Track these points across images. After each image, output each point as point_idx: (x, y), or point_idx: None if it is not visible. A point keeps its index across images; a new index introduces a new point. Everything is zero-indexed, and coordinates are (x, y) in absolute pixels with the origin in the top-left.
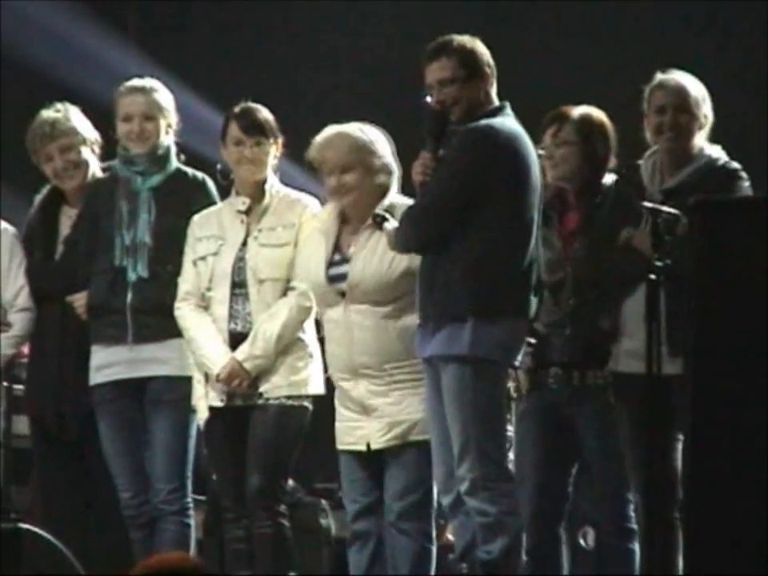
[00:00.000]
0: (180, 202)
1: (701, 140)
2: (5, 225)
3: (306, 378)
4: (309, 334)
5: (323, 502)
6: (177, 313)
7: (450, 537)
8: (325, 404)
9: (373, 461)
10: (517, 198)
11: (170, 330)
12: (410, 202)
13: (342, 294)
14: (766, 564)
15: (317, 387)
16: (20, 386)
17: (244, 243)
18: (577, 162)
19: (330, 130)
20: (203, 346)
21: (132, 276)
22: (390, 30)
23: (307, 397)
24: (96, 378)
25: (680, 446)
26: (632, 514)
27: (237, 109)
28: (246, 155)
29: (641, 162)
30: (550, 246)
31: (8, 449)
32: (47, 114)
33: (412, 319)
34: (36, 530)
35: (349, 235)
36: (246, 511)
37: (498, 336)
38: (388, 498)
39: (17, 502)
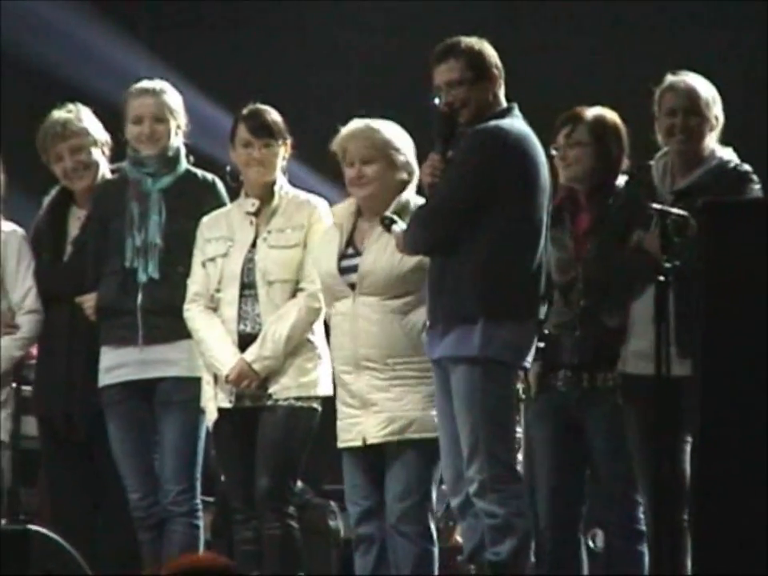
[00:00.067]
0: (190, 203)
1: (712, 141)
2: (13, 226)
3: (315, 380)
4: (318, 335)
5: (332, 503)
6: (186, 314)
7: (459, 538)
8: (333, 405)
9: (374, 463)
10: (526, 199)
11: (180, 331)
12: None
13: (352, 287)
14: None
15: (326, 388)
16: (28, 388)
17: (253, 245)
18: (590, 163)
19: (357, 122)
20: (212, 347)
21: (143, 277)
22: (399, 31)
23: (316, 398)
24: (105, 379)
25: (688, 448)
26: (641, 516)
27: (245, 111)
28: (255, 157)
29: (652, 162)
30: (562, 246)
31: (16, 450)
32: (59, 114)
33: (419, 317)
34: (44, 531)
35: (363, 231)
36: (254, 512)
37: (508, 337)
38: (389, 500)
39: (25, 503)
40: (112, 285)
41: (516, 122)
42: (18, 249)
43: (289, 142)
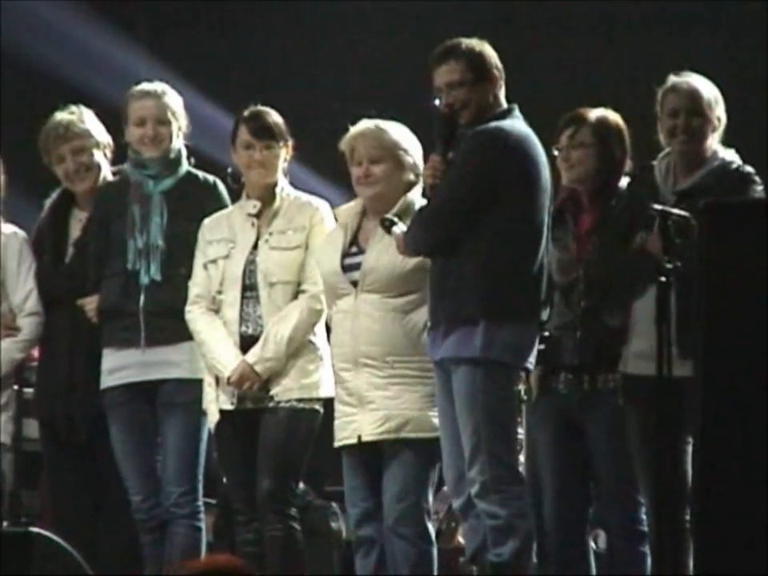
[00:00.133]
0: (191, 205)
1: (714, 142)
2: (14, 229)
3: (317, 381)
4: (319, 336)
5: (334, 504)
6: (188, 316)
7: (461, 539)
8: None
9: (372, 464)
10: (527, 199)
11: (182, 332)
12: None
13: (355, 285)
14: None
15: (327, 390)
16: (30, 390)
17: (255, 246)
18: (593, 165)
19: (366, 122)
20: (214, 349)
21: (145, 279)
22: (399, 32)
23: (318, 400)
24: (107, 381)
25: (690, 449)
26: (643, 516)
27: (246, 112)
28: (256, 159)
29: (655, 162)
30: (564, 247)
31: (18, 452)
32: (61, 115)
33: (420, 317)
34: (46, 533)
35: (368, 230)
36: (256, 514)
37: (510, 338)
38: (386, 500)
39: (27, 505)
40: (114, 287)
41: (517, 123)
42: (18, 251)
43: (290, 143)
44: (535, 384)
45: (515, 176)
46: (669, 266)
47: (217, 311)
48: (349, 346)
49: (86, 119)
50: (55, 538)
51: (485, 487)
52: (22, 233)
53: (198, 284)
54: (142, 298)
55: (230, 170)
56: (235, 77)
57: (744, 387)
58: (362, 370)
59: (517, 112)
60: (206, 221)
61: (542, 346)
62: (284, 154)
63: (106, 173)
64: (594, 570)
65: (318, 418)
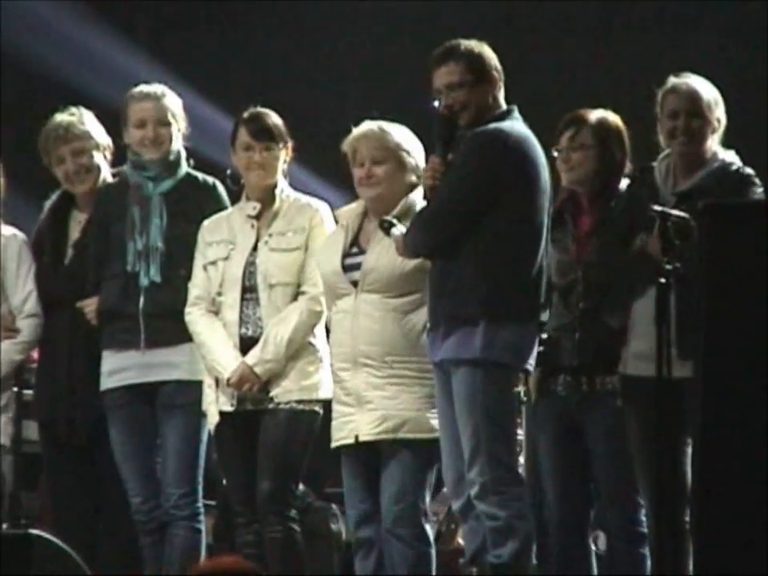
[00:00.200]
0: (191, 206)
1: (714, 144)
2: (13, 230)
3: (317, 383)
4: (319, 338)
5: (333, 506)
6: (187, 318)
7: (461, 541)
8: None
9: (370, 465)
10: (526, 201)
11: (181, 334)
12: None
13: (355, 285)
14: None
15: (327, 391)
16: (29, 392)
17: (254, 248)
18: (593, 166)
19: (369, 123)
20: (214, 351)
21: (144, 281)
22: (399, 33)
23: (318, 401)
24: (107, 382)
25: (689, 450)
26: (642, 518)
27: (246, 114)
28: (256, 160)
29: (654, 164)
30: (563, 248)
31: (17, 454)
32: (61, 116)
33: (420, 317)
34: (45, 534)
35: (368, 231)
36: (256, 516)
37: (509, 339)
38: (384, 501)
39: (26, 507)
40: (113, 289)
41: (516, 125)
42: (18, 252)
43: (290, 145)
44: (534, 386)
45: (515, 177)
46: (668, 267)
47: (216, 313)
48: (348, 345)
49: (86, 121)
50: (55, 539)
51: (484, 488)
52: (21, 234)
53: (197, 285)
54: (141, 299)
55: (229, 171)
56: (235, 78)
57: (744, 388)
58: (360, 370)
59: (516, 113)
60: (206, 222)
61: (541, 348)
62: (284, 155)
63: (106, 174)
64: (595, 571)
65: (318, 419)
